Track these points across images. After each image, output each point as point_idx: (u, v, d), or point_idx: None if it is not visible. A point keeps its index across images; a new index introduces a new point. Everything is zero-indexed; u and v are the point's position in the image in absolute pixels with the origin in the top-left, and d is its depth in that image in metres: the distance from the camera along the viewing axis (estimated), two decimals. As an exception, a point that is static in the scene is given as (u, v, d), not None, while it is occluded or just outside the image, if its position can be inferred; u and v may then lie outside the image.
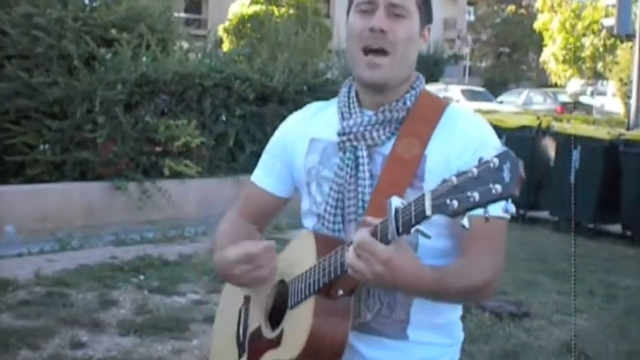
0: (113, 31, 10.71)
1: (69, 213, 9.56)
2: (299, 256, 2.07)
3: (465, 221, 1.63)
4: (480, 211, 1.63)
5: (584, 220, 9.75)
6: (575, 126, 11.78)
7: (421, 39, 2.12)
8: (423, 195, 1.68)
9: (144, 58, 10.80)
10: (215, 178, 10.86)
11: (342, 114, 2.13)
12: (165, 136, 10.54)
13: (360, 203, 2.05)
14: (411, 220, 1.70)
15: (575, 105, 34.11)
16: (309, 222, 2.18)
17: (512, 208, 1.62)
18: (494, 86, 47.00)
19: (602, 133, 10.16)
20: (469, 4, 65.19)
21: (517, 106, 33.42)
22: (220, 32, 27.24)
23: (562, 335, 5.91)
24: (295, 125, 2.27)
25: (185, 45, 12.65)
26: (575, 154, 9.80)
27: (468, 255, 1.97)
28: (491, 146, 1.99)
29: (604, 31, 32.72)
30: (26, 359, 4.93)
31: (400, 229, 1.73)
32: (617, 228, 9.99)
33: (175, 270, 7.15)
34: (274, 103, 11.49)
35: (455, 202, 1.62)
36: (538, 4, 38.35)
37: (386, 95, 2.09)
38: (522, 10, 55.29)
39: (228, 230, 2.29)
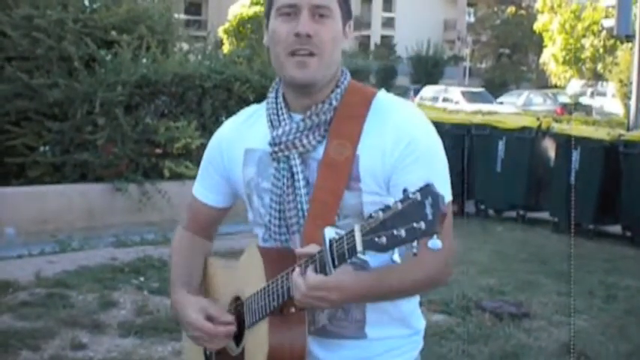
0: (113, 32, 10.73)
1: (69, 214, 9.56)
2: (249, 274, 2.08)
3: (396, 256, 1.67)
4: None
5: (584, 220, 9.75)
6: (575, 127, 11.78)
7: (344, 36, 2.08)
8: (353, 230, 1.71)
9: (144, 60, 10.81)
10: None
11: (272, 122, 2.10)
12: (165, 137, 10.54)
13: (300, 213, 2.05)
14: (344, 254, 1.75)
15: (575, 106, 34.09)
16: (259, 230, 2.19)
17: (438, 244, 1.63)
18: (494, 87, 47.01)
19: (602, 134, 10.16)
20: (469, 5, 65.22)
21: (517, 107, 33.42)
22: (220, 33, 27.27)
23: (562, 336, 5.91)
24: (228, 135, 2.24)
25: (185, 46, 12.65)
26: (575, 155, 9.80)
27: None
28: (424, 136, 2.02)
29: (604, 32, 32.71)
30: (27, 360, 4.94)
31: (336, 262, 1.78)
32: (616, 229, 9.99)
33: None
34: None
35: (383, 239, 1.65)
36: (538, 5, 38.32)
37: (313, 97, 2.06)
38: (522, 11, 55.30)
39: (178, 262, 2.37)
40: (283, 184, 2.06)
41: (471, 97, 35.76)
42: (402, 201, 1.63)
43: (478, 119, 11.98)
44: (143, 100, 10.67)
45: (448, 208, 2.00)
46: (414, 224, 1.60)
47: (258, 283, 2.01)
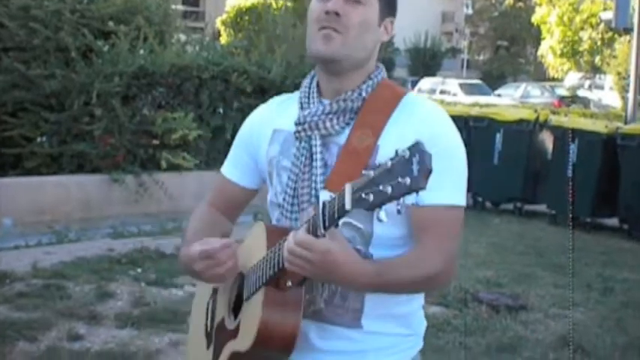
0: (110, 23, 10.71)
1: (66, 205, 9.56)
2: (252, 248, 2.10)
3: (382, 215, 1.66)
4: (422, 201, 1.74)
5: (582, 213, 9.75)
6: (572, 119, 11.77)
7: (381, 29, 2.13)
8: (344, 189, 1.71)
9: (141, 51, 10.80)
10: (212, 170, 10.83)
11: (302, 104, 2.15)
12: (162, 128, 10.53)
13: (313, 192, 2.06)
14: (334, 214, 1.74)
15: (573, 98, 34.10)
16: (273, 213, 2.21)
17: (423, 201, 1.70)
18: (492, 79, 46.97)
19: (600, 126, 10.15)
20: (467, -3, 65.12)
21: (515, 99, 33.39)
22: (218, 25, 27.17)
23: (559, 328, 5.92)
24: (260, 117, 2.29)
25: (183, 37, 12.64)
26: (573, 148, 9.80)
27: (417, 246, 2.00)
28: (446, 135, 2.06)
29: (602, 25, 32.62)
30: (23, 351, 4.94)
31: (326, 223, 1.77)
32: (614, 221, 10.00)
33: (172, 262, 7.13)
34: (272, 96, 11.39)
35: (371, 196, 1.65)
36: (536, -2, 38.31)
37: (343, 81, 2.10)
38: (520, 4, 55.21)
39: (196, 226, 2.31)
40: (301, 162, 2.09)
41: (469, 90, 35.72)
42: (392, 159, 1.65)
43: (476, 111, 11.97)
44: (140, 91, 10.66)
45: (460, 213, 2.06)
46: (399, 179, 1.61)
47: (259, 254, 2.03)
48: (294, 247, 1.83)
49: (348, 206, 1.69)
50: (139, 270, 6.86)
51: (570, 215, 8.67)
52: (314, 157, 2.07)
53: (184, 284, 6.42)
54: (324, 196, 1.80)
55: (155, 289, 6.30)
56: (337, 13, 2.03)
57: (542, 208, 10.54)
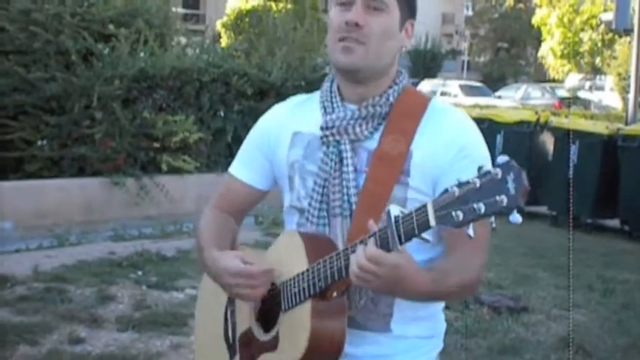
0: (111, 26, 10.71)
1: (67, 209, 9.56)
2: (287, 258, 2.07)
3: (471, 231, 1.67)
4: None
5: (583, 214, 9.75)
6: (573, 121, 11.77)
7: (403, 34, 2.11)
8: (425, 205, 1.70)
9: (141, 54, 10.81)
10: (213, 173, 10.84)
11: (325, 108, 2.13)
12: (163, 131, 10.54)
13: (345, 197, 2.06)
14: (413, 229, 1.73)
15: (574, 100, 34.07)
16: (292, 218, 2.19)
17: (519, 219, 1.64)
18: (493, 81, 46.98)
19: (601, 127, 10.15)
20: (467, -2, 65.14)
21: (515, 101, 33.38)
22: (218, 27, 27.18)
23: (560, 330, 5.92)
24: (278, 118, 2.26)
25: (183, 40, 12.65)
26: (574, 149, 9.80)
27: (456, 254, 1.98)
28: (477, 144, 2.06)
29: (602, 26, 32.63)
30: (25, 355, 4.93)
31: (403, 238, 1.76)
32: (615, 223, 9.99)
33: (174, 265, 7.15)
34: (272, 99, 11.44)
35: (460, 214, 1.64)
36: (536, -1, 38.33)
37: (366, 88, 2.09)
38: (520, 5, 55.21)
39: (211, 226, 2.26)
40: (331, 167, 2.08)
41: (469, 91, 35.70)
42: (479, 177, 1.64)
43: (476, 113, 11.98)
44: (141, 94, 10.67)
45: (490, 223, 2.03)
46: (496, 198, 1.61)
47: (299, 266, 2.00)
48: (366, 263, 1.81)
49: (432, 222, 1.69)
50: (140, 273, 6.86)
51: (571, 216, 8.68)
52: (344, 161, 2.06)
53: (185, 287, 6.42)
54: (395, 210, 1.76)
55: (156, 292, 6.30)
56: (357, 24, 2.02)
57: (543, 209, 10.53)
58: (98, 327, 5.49)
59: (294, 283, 2.01)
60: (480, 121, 10.95)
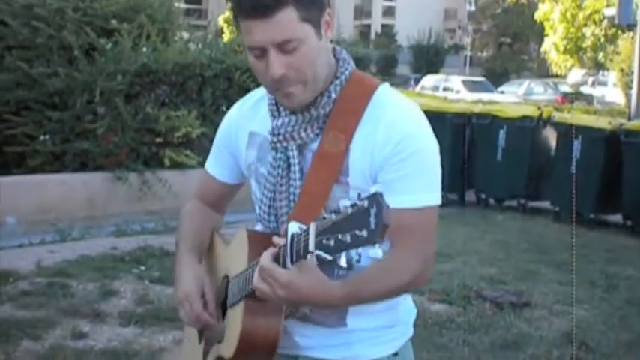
0: (113, 21, 10.70)
1: (70, 204, 9.56)
2: (236, 255, 2.11)
3: (343, 261, 1.65)
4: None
5: (585, 210, 9.74)
6: (575, 116, 11.75)
7: (324, 34, 2.00)
8: (308, 228, 1.70)
9: (144, 49, 10.80)
10: (215, 168, 10.83)
11: (272, 112, 2.10)
12: (165, 126, 10.54)
13: (292, 204, 2.05)
14: (300, 251, 1.74)
15: (576, 95, 34.05)
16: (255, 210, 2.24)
17: (379, 254, 1.62)
18: (495, 76, 46.98)
19: (603, 123, 10.13)
20: (470, -7, 65.07)
21: (518, 96, 33.40)
22: (220, 22, 27.21)
23: (562, 325, 5.92)
24: (237, 117, 2.26)
25: (185, 35, 12.63)
26: (576, 145, 9.79)
27: (392, 252, 1.93)
28: (415, 137, 2.00)
29: (605, 21, 32.58)
30: (27, 350, 4.94)
31: (293, 258, 1.77)
32: (617, 218, 9.98)
33: (176, 260, 7.15)
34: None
35: (331, 242, 1.64)
36: (539, -6, 38.26)
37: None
38: (523, 0, 55.18)
39: (189, 226, 2.35)
40: (278, 173, 2.07)
41: (472, 86, 35.69)
42: (352, 206, 1.63)
43: (479, 108, 11.95)
44: (143, 89, 10.67)
45: (435, 213, 2.02)
46: (357, 232, 1.60)
47: (242, 264, 2.04)
48: (260, 277, 1.85)
49: (311, 247, 1.68)
50: (143, 268, 6.87)
51: (574, 212, 8.67)
52: (291, 167, 2.05)
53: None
54: (293, 227, 1.77)
55: (159, 287, 6.31)
56: (282, 76, 1.94)
57: (545, 204, 10.52)
58: (101, 322, 5.50)
59: (235, 282, 2.06)
60: (482, 117, 11.01)
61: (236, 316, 2.02)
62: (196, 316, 2.14)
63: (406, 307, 2.20)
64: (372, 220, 1.59)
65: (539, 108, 11.25)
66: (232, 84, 11.30)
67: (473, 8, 64.36)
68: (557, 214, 10.13)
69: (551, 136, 10.60)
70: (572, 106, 25.96)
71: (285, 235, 1.79)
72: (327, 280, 1.87)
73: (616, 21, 22.05)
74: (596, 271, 7.53)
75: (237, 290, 2.03)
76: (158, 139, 10.69)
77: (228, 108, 9.47)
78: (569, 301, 6.36)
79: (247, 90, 9.79)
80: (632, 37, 24.10)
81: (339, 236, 1.62)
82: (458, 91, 34.35)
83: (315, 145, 2.04)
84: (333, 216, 1.65)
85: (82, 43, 10.36)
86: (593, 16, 34.13)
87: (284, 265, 1.81)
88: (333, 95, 2.04)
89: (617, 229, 9.79)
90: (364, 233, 1.59)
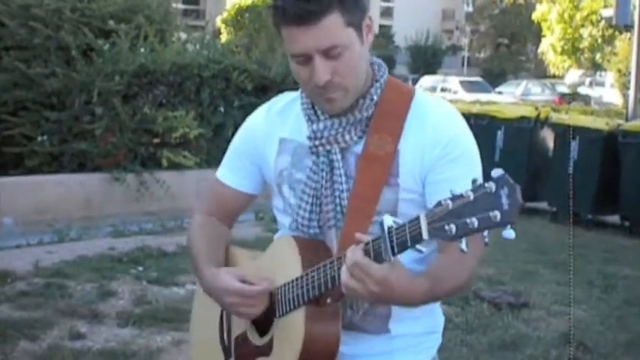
0: (111, 22, 10.69)
1: (67, 204, 9.55)
2: (281, 264, 2.06)
3: (464, 245, 1.63)
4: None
5: (583, 210, 9.75)
6: (573, 117, 11.76)
7: (365, 39, 1.99)
8: (418, 217, 1.67)
9: (142, 50, 10.79)
10: (213, 169, 10.60)
11: (309, 116, 2.07)
12: (163, 127, 10.53)
13: (339, 208, 2.03)
14: (406, 241, 1.70)
15: (574, 96, 34.08)
16: (284, 219, 2.16)
17: (512, 235, 1.60)
18: (493, 77, 47.00)
19: (601, 123, 10.14)
20: (467, -6, 65.12)
21: (515, 96, 33.41)
22: (218, 23, 27.19)
23: (560, 326, 5.92)
24: (263, 123, 2.21)
25: (183, 36, 12.62)
26: (574, 145, 9.79)
27: (449, 257, 1.92)
28: (463, 137, 2.02)
29: (603, 22, 32.64)
30: (25, 350, 4.93)
31: (395, 250, 1.73)
32: (615, 219, 9.99)
33: (174, 261, 7.15)
34: (273, 94, 11.37)
35: (453, 227, 1.62)
36: (536, -5, 38.32)
37: None
38: (521, 1, 55.23)
39: (203, 237, 2.25)
40: (322, 177, 2.04)
41: (470, 87, 35.71)
42: (473, 190, 1.61)
43: (476, 109, 11.96)
44: (141, 89, 10.66)
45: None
46: (490, 213, 1.58)
47: (293, 272, 1.99)
48: (352, 269, 1.78)
49: (425, 235, 1.65)
50: (141, 268, 6.86)
51: (571, 212, 8.67)
52: (335, 171, 2.02)
53: (186, 282, 6.42)
54: (388, 220, 1.73)
55: (156, 288, 6.30)
56: (327, 82, 1.93)
57: (543, 205, 10.53)
58: (98, 322, 5.49)
59: (288, 290, 2.00)
60: (480, 117, 11.01)
61: (293, 324, 1.97)
62: (255, 297, 2.02)
63: (439, 313, 2.20)
64: (505, 200, 1.58)
65: (536, 109, 11.25)
66: (230, 84, 11.30)
67: (470, 9, 64.39)
68: (555, 215, 10.14)
69: (548, 137, 10.60)
70: (569, 106, 26.00)
71: (382, 229, 1.73)
72: (413, 276, 1.85)
73: (613, 22, 22.09)
74: (593, 271, 7.54)
75: (293, 297, 1.97)
76: (156, 140, 10.68)
77: (225, 108, 9.54)
78: (567, 302, 6.36)
79: (245, 90, 9.86)
80: (630, 38, 24.15)
81: (466, 221, 1.59)
82: (455, 92, 34.37)
83: (357, 148, 2.03)
84: (450, 203, 1.63)
85: (79, 43, 10.35)
86: (590, 17, 34.19)
87: (378, 260, 1.76)
88: (375, 98, 2.03)
89: (614, 229, 9.80)
90: (496, 214, 1.57)
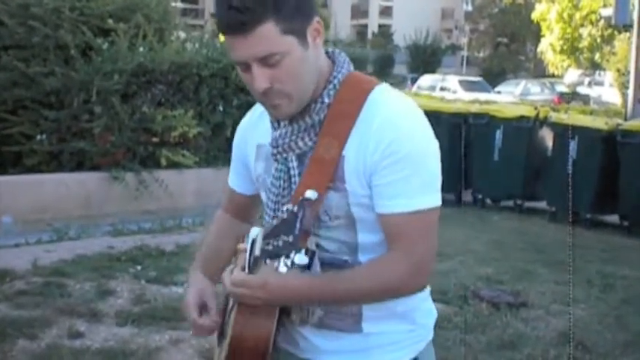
0: (110, 21, 10.70)
1: (66, 203, 9.56)
2: (240, 260, 2.12)
3: (282, 267, 1.69)
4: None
5: (582, 210, 9.75)
6: (572, 116, 11.75)
7: (312, 43, 1.95)
8: (258, 234, 1.75)
9: (141, 48, 10.79)
10: (212, 168, 10.84)
11: (272, 123, 2.09)
12: (162, 126, 10.54)
13: None
14: (250, 259, 1.80)
15: (573, 95, 34.10)
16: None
17: (304, 260, 1.65)
18: (492, 76, 47.00)
19: (600, 123, 10.14)
20: (467, -7, 65.10)
21: (515, 96, 33.42)
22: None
23: (559, 325, 5.92)
24: (246, 128, 2.24)
25: (182, 35, 12.62)
26: (573, 145, 9.80)
27: (383, 255, 1.95)
28: (408, 138, 1.94)
29: (602, 22, 32.64)
30: (24, 349, 4.93)
31: (251, 264, 1.81)
32: (614, 218, 9.99)
33: (173, 260, 7.15)
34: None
35: (270, 247, 1.69)
36: (536, -6, 38.31)
37: None
38: (520, 0, 55.20)
39: (213, 233, 2.38)
40: (280, 185, 2.06)
41: (469, 86, 35.74)
42: (288, 210, 1.68)
43: (476, 108, 11.96)
44: (140, 88, 10.66)
45: (433, 215, 1.97)
46: (285, 237, 1.65)
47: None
48: (234, 289, 1.89)
49: (257, 253, 1.73)
50: (139, 268, 6.86)
51: (570, 212, 8.67)
52: (292, 179, 2.03)
53: (184, 282, 6.41)
54: (254, 232, 1.82)
55: (155, 287, 6.30)
56: (267, 89, 1.92)
57: (542, 205, 10.53)
58: (97, 321, 5.49)
59: None
60: (479, 117, 11.01)
61: (231, 320, 2.03)
62: (194, 325, 2.15)
63: (425, 310, 2.16)
64: (298, 224, 1.62)
65: (535, 108, 11.25)
66: (229, 83, 11.30)
67: (470, 8, 64.37)
68: (554, 215, 10.14)
69: (547, 137, 10.60)
70: (568, 106, 26.01)
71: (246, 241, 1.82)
72: (298, 276, 1.86)
73: (612, 21, 22.12)
74: (592, 271, 7.54)
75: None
76: (155, 139, 10.68)
77: (224, 107, 9.55)
78: (565, 301, 6.36)
79: (243, 89, 9.86)
80: (629, 38, 24.15)
81: (274, 242, 1.67)
82: (455, 91, 34.38)
83: (312, 152, 2.03)
84: (274, 221, 1.70)
85: (78, 42, 10.35)
86: (589, 17, 34.19)
87: (249, 270, 1.84)
88: (327, 100, 2.00)
89: (613, 229, 9.80)
90: (290, 238, 1.63)
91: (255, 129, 2.19)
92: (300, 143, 2.01)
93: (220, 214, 2.41)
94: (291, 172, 2.03)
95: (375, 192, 1.94)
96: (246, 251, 1.87)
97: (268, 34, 1.87)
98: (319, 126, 2.00)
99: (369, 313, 2.04)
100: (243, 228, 2.30)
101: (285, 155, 2.03)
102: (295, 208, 1.64)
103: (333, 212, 1.97)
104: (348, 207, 1.97)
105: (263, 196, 2.17)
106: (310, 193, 1.65)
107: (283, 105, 1.95)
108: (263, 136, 2.14)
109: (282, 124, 2.05)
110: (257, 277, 1.84)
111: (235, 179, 2.32)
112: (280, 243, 1.64)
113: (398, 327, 2.09)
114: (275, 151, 2.04)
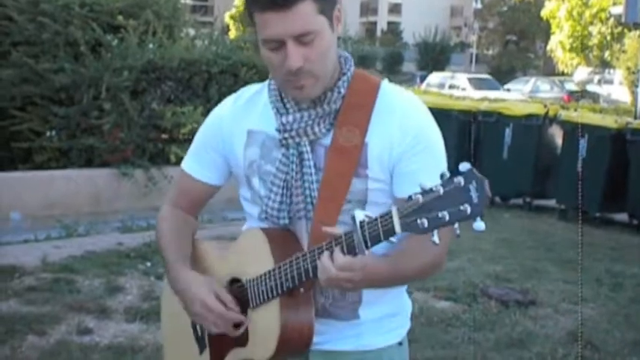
0: (120, 17, 10.71)
1: (75, 199, 9.57)
2: (252, 256, 2.11)
3: (436, 238, 1.71)
4: None
5: (591, 208, 9.73)
6: (582, 114, 11.70)
7: (335, 28, 2.03)
8: (390, 212, 1.75)
9: (150, 45, 10.80)
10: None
11: (277, 109, 2.10)
12: (171, 122, 10.54)
13: (309, 199, 2.08)
14: (379, 235, 1.79)
15: (582, 93, 34.00)
16: (253, 209, 2.20)
17: (482, 227, 1.68)
18: (501, 74, 46.92)
19: (609, 121, 10.11)
20: (476, -9, 64.98)
21: (524, 94, 33.33)
22: (227, 19, 27.20)
23: (568, 324, 5.91)
24: (229, 114, 2.24)
25: (191, 32, 12.64)
26: (582, 143, 9.77)
27: (414, 239, 1.96)
28: (429, 129, 2.08)
29: (612, 20, 32.54)
30: (33, 345, 4.95)
31: (369, 244, 1.81)
32: (623, 217, 9.97)
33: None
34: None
35: (425, 221, 1.70)
36: (545, -8, 38.19)
37: None
38: (529, -2, 55.06)
39: (172, 230, 2.29)
40: (292, 169, 2.08)
41: (478, 84, 35.66)
42: (443, 185, 1.69)
43: (485, 106, 11.93)
44: (149, 85, 10.66)
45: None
46: (460, 207, 1.66)
47: (264, 264, 2.05)
48: (339, 273, 1.88)
49: (397, 229, 1.75)
50: (149, 264, 6.87)
51: (580, 210, 8.65)
52: (305, 162, 2.07)
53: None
54: (359, 215, 1.81)
55: (164, 284, 6.30)
56: (299, 68, 1.96)
57: (551, 203, 10.52)
58: (106, 318, 5.50)
59: (261, 282, 2.06)
60: (488, 115, 11.00)
61: (269, 315, 2.03)
62: (225, 319, 2.10)
63: (405, 297, 2.27)
64: (474, 194, 1.66)
65: (545, 106, 11.23)
66: (238, 80, 11.28)
67: (479, 6, 64.21)
68: (563, 213, 10.12)
69: (557, 135, 10.58)
70: (578, 104, 25.94)
71: (354, 223, 1.82)
72: (380, 258, 1.97)
73: (622, 19, 22.01)
74: (602, 269, 7.52)
75: (267, 289, 2.03)
76: (164, 136, 10.69)
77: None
78: (574, 300, 6.35)
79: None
80: (639, 36, 24.07)
81: (438, 214, 1.68)
82: (464, 89, 34.30)
83: (325, 140, 2.07)
84: (420, 197, 1.70)
85: (88, 39, 10.36)
86: (599, 14, 34.08)
87: (352, 253, 1.85)
88: (342, 91, 2.07)
89: (622, 227, 9.78)
90: (467, 208, 1.66)
91: (243, 115, 2.20)
92: (316, 129, 2.06)
93: (172, 210, 2.33)
94: (305, 157, 2.06)
95: (399, 180, 2.04)
96: (341, 235, 1.88)
97: (307, 12, 1.93)
98: (334, 114, 2.06)
99: (367, 299, 2.11)
100: (195, 225, 2.34)
101: (298, 140, 2.06)
102: (462, 180, 1.67)
103: (349, 197, 2.05)
104: (366, 192, 2.05)
105: (256, 183, 2.16)
106: (466, 166, 1.72)
107: (308, 85, 2.01)
108: (256, 122, 2.16)
109: (291, 109, 2.08)
110: (359, 259, 1.86)
111: (199, 168, 2.29)
112: (446, 214, 1.67)
113: (386, 311, 2.17)
114: (287, 135, 2.07)
